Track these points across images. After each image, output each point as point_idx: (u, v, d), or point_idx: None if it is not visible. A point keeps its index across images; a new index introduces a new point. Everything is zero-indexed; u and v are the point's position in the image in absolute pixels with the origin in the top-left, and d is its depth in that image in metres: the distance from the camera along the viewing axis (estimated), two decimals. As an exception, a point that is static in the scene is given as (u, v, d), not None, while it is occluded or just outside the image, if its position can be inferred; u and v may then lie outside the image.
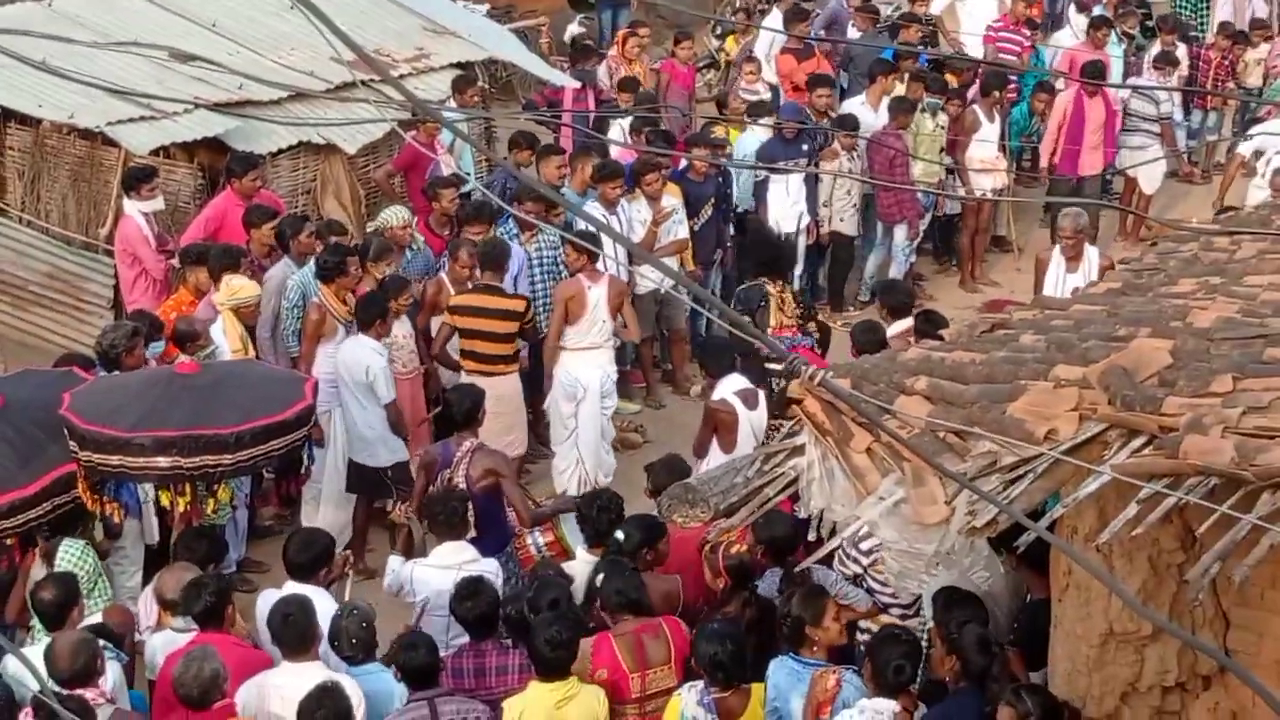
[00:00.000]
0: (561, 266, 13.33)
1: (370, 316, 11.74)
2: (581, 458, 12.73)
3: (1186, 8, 21.40)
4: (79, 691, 7.95)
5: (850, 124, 16.04)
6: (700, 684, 8.11)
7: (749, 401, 11.28)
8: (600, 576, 8.81)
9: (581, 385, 12.64)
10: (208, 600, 8.55)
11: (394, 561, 9.92)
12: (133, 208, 13.28)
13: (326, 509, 12.02)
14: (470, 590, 8.74)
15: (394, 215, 13.25)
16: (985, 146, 16.84)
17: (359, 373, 11.69)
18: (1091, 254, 12.97)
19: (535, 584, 9.03)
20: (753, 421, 11.23)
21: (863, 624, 9.04)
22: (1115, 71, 18.85)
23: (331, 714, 7.65)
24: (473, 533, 10.06)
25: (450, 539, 9.70)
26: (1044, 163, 17.20)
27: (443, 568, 9.47)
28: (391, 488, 11.83)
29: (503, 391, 12.30)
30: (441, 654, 8.76)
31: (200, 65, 12.94)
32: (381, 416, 11.79)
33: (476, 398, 10.99)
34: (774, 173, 15.33)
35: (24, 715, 8.03)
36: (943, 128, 16.56)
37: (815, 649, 8.23)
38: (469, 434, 10.77)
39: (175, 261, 13.04)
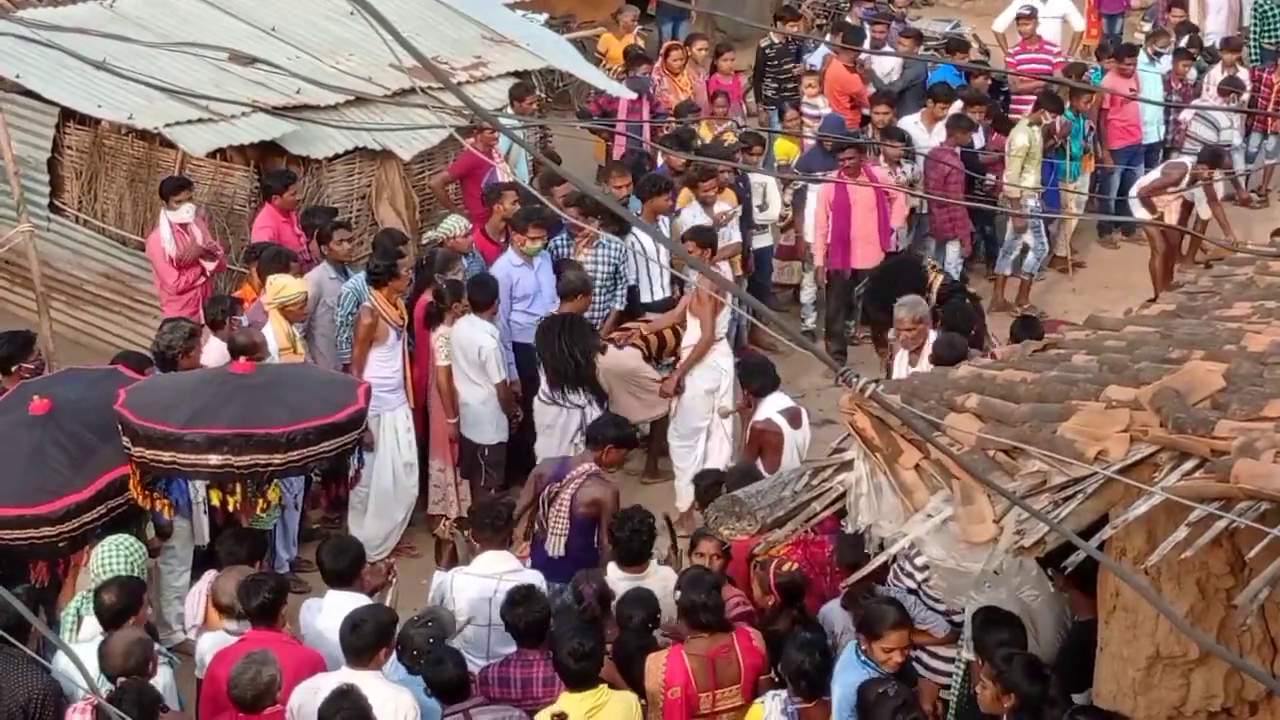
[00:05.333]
0: (619, 279, 13.38)
1: (484, 299, 12.15)
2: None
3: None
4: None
5: (896, 135, 16.00)
6: (784, 693, 8.08)
7: (794, 420, 11.22)
8: (681, 591, 8.62)
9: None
10: (266, 597, 8.58)
11: (438, 576, 9.84)
12: (163, 217, 13.41)
13: (370, 518, 12.09)
14: (522, 597, 8.65)
15: (456, 224, 13.35)
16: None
17: (472, 352, 12.10)
18: None
19: (623, 600, 8.91)
20: (797, 441, 11.15)
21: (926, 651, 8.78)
22: (1151, 88, 18.41)
23: (351, 715, 7.58)
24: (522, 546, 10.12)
25: (493, 547, 9.56)
26: (818, 261, 15.28)
27: (483, 576, 9.36)
28: (483, 468, 12.25)
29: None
30: (484, 664, 8.80)
31: (259, 68, 13.04)
32: (490, 394, 12.15)
33: (623, 427, 11.00)
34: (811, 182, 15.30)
35: (71, 713, 8.10)
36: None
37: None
38: (592, 459, 10.62)
39: (210, 267, 13.31)
